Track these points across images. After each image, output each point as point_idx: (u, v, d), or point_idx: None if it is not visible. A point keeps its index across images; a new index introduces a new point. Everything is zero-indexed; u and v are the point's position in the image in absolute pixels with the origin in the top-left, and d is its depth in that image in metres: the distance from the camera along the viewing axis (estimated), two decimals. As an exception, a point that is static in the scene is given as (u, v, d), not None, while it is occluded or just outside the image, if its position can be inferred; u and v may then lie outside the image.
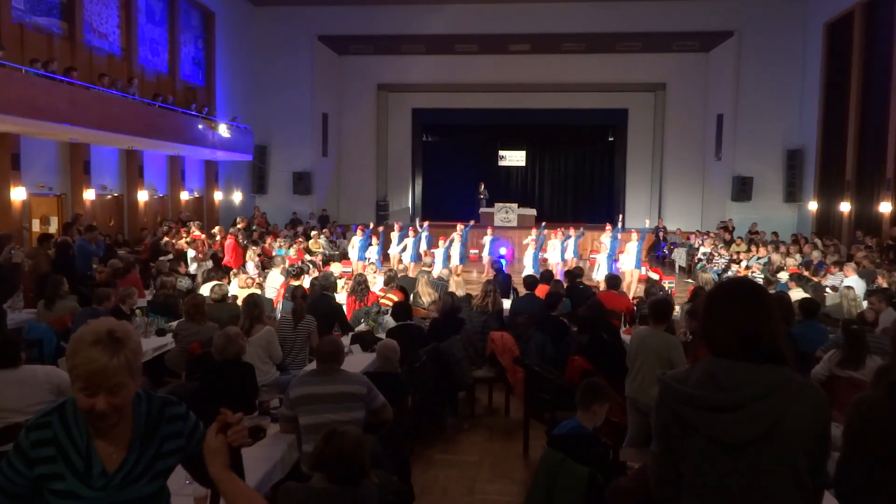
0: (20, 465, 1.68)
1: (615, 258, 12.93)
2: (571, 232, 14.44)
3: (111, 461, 1.74)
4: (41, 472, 1.68)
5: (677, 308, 7.41)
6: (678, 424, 1.77)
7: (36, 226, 12.13)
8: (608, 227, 14.44)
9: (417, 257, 14.23)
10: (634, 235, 12.93)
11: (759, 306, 1.77)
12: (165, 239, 12.27)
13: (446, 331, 6.48)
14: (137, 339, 1.76)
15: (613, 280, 8.76)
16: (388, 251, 15.19)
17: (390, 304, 7.35)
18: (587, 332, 5.91)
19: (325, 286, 7.51)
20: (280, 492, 3.14)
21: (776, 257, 12.30)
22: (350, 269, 12.69)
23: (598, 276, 12.45)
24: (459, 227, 15.08)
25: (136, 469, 1.77)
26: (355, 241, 13.97)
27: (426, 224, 15.71)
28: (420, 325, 6.87)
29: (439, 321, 6.81)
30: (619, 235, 13.75)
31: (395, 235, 14.99)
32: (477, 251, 16.91)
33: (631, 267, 12.27)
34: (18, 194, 11.24)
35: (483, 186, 21.87)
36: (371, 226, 15.55)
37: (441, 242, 14.16)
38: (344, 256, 14.84)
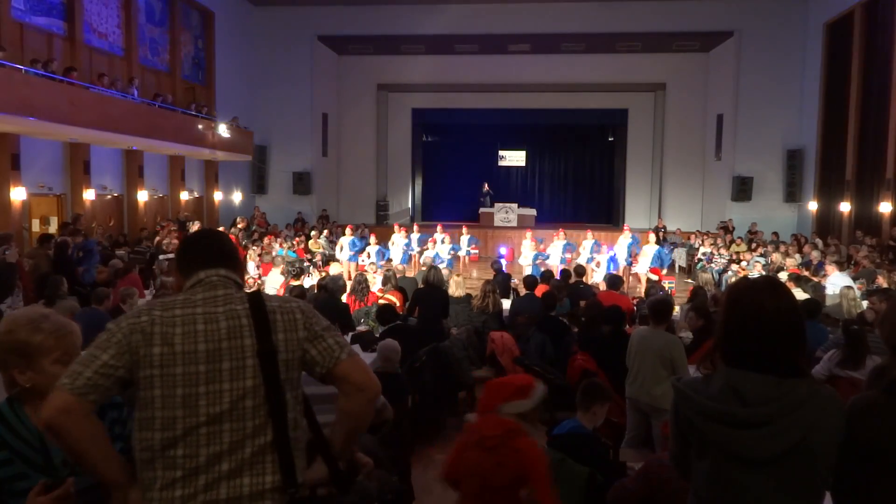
0: None
1: (631, 261, 13.02)
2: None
3: None
4: (1, 476, 1.69)
5: (677, 308, 7.41)
6: (696, 438, 1.70)
7: (36, 226, 12.13)
8: (626, 227, 14.40)
9: (409, 259, 14.25)
10: (652, 237, 12.99)
11: (787, 309, 1.68)
12: (167, 240, 12.25)
13: (430, 300, 6.63)
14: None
15: (613, 280, 8.76)
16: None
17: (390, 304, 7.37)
18: (610, 323, 5.89)
19: (335, 289, 7.51)
20: None
21: (776, 257, 12.31)
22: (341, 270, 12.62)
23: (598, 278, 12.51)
24: (464, 230, 15.21)
25: None
26: (344, 241, 13.93)
27: (416, 227, 15.71)
28: (413, 325, 6.89)
29: (422, 289, 7.05)
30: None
31: (396, 237, 14.95)
32: (477, 251, 16.92)
33: (644, 270, 12.33)
34: (18, 194, 11.23)
35: (487, 186, 21.89)
36: (361, 227, 15.53)
37: (431, 244, 14.17)
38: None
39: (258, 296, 1.76)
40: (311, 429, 1.82)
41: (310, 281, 10.17)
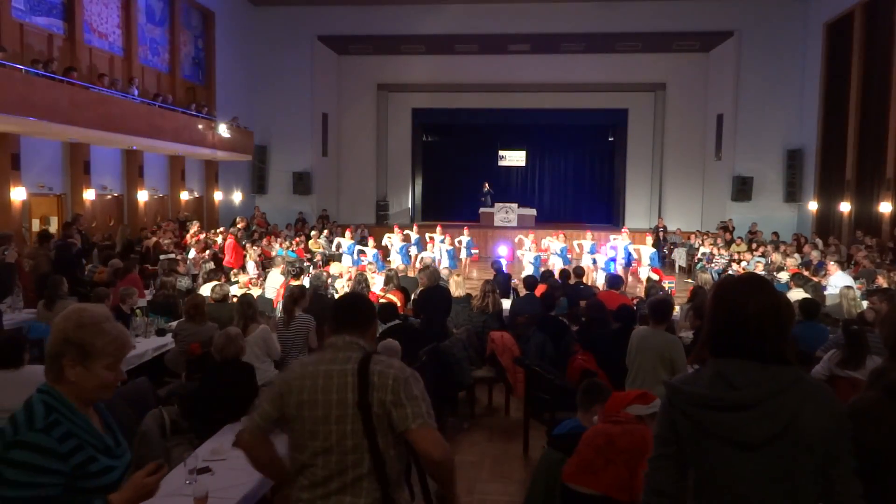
0: (54, 464, 1.74)
1: (629, 263, 13.04)
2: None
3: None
4: (76, 462, 1.78)
5: (677, 308, 7.41)
6: (691, 428, 1.73)
7: (36, 226, 12.12)
8: (625, 229, 14.43)
9: (409, 260, 14.24)
10: (649, 240, 12.99)
11: (769, 301, 1.74)
12: (156, 239, 12.23)
13: (433, 299, 6.75)
14: None
15: (614, 280, 8.76)
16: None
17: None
18: (621, 321, 5.91)
19: (318, 285, 7.55)
20: (276, 499, 3.15)
21: (776, 257, 12.31)
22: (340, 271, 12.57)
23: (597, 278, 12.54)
24: (465, 231, 15.22)
25: (124, 439, 2.02)
26: (343, 243, 13.90)
27: (415, 227, 15.70)
28: (414, 324, 6.90)
29: (426, 290, 7.11)
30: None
31: (394, 238, 14.94)
32: (477, 251, 16.93)
33: (644, 272, 12.36)
34: (18, 194, 11.23)
35: (488, 185, 21.89)
36: (361, 227, 15.46)
37: (430, 245, 14.16)
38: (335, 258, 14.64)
39: (367, 359, 2.23)
40: (417, 464, 2.34)
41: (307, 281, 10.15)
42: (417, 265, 13.89)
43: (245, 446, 2.29)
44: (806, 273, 10.50)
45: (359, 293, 2.72)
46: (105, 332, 1.85)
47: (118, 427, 2.03)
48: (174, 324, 6.78)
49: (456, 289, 8.07)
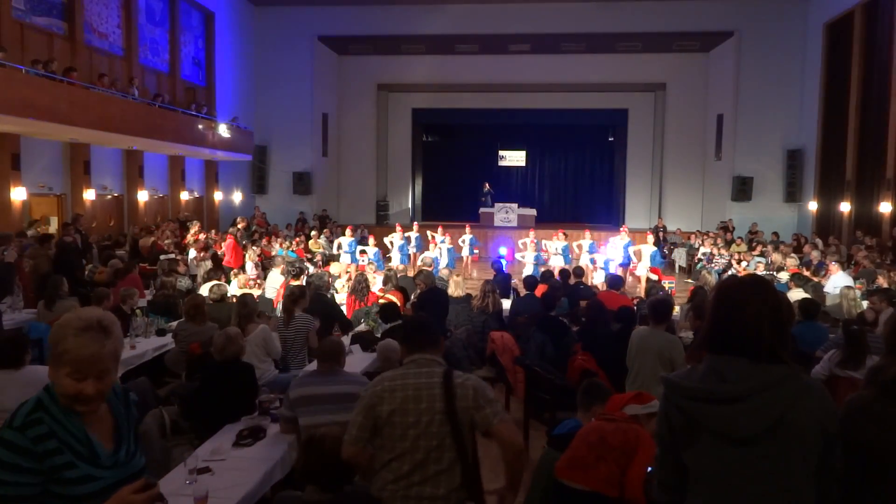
0: (29, 463, 1.68)
1: (628, 262, 13.03)
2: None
3: (105, 442, 1.84)
4: (52, 464, 1.71)
5: (677, 308, 7.41)
6: (685, 422, 1.75)
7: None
8: (624, 228, 14.42)
9: (408, 260, 14.22)
10: (650, 239, 12.97)
11: (770, 303, 1.76)
12: (153, 239, 12.21)
13: (431, 301, 6.89)
14: (120, 329, 1.87)
15: (614, 280, 8.76)
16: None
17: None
18: (621, 321, 5.92)
19: (319, 285, 7.56)
20: (275, 502, 3.15)
21: (776, 257, 12.30)
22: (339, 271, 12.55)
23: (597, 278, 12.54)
24: (468, 229, 15.21)
25: (132, 445, 1.92)
26: (343, 242, 13.89)
27: (415, 227, 15.67)
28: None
29: (424, 293, 7.30)
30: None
31: (395, 237, 14.93)
32: (478, 251, 16.92)
33: (644, 272, 12.35)
34: (18, 194, 11.23)
35: (488, 186, 21.89)
36: (361, 227, 15.45)
37: (431, 246, 14.14)
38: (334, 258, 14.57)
39: (450, 373, 2.67)
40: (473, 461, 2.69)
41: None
42: (418, 264, 13.90)
43: (351, 456, 2.69)
44: (806, 273, 10.51)
45: (424, 317, 3.20)
46: (63, 339, 1.74)
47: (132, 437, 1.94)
48: (174, 324, 6.78)
49: (456, 289, 8.08)
